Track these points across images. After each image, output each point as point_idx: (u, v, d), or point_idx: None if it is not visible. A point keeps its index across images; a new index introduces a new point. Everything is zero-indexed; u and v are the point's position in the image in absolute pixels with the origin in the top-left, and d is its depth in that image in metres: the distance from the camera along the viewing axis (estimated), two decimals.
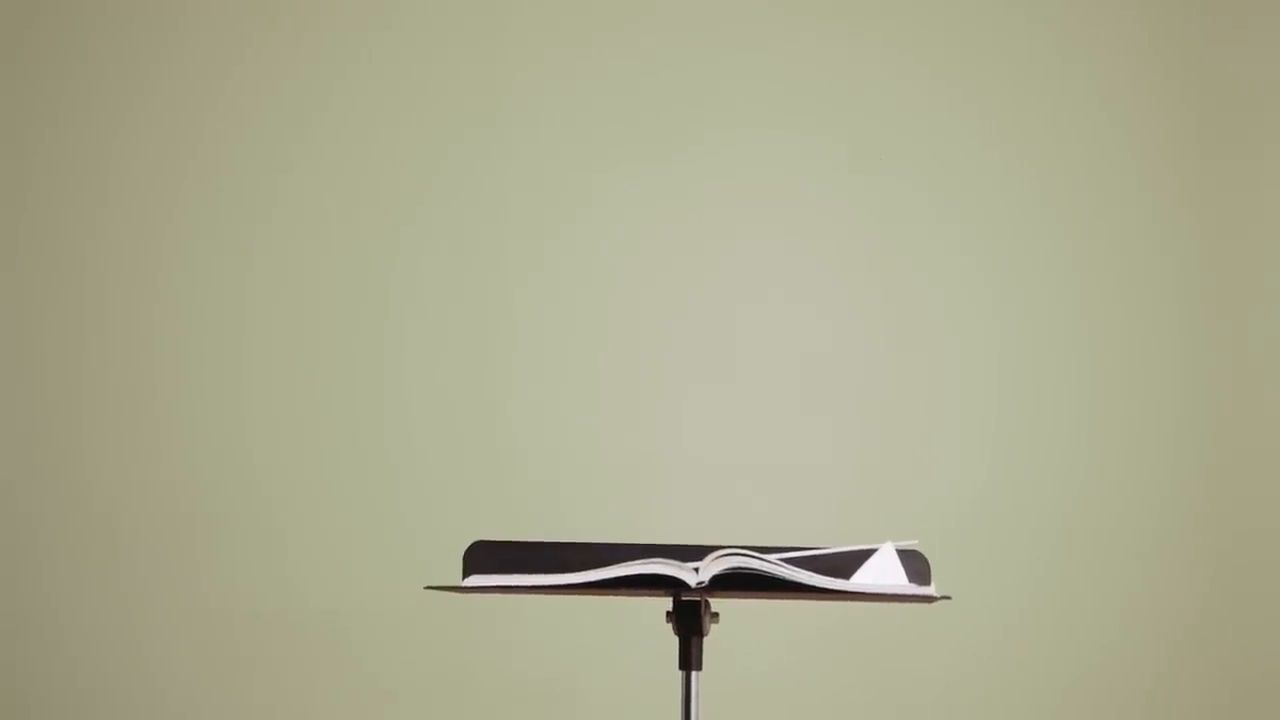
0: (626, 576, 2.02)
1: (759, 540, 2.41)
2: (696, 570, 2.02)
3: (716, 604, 2.15)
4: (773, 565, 2.01)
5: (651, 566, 2.02)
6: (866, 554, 2.08)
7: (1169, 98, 4.22)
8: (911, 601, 2.11)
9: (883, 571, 2.07)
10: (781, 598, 2.38)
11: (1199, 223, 4.20)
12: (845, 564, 2.07)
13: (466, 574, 2.10)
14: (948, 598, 2.12)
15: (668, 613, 2.12)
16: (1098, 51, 4.20)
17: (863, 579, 2.07)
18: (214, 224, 3.95)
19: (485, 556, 2.10)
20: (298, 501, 3.89)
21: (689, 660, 2.10)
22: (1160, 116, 4.21)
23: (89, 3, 3.96)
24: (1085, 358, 4.16)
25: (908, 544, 2.11)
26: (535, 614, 3.90)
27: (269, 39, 3.99)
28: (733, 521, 3.91)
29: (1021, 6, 4.19)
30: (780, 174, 4.09)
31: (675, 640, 2.14)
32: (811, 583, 2.01)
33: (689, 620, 2.09)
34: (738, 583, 2.04)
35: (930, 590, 2.08)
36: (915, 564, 2.10)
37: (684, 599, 2.08)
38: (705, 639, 2.12)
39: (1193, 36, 4.23)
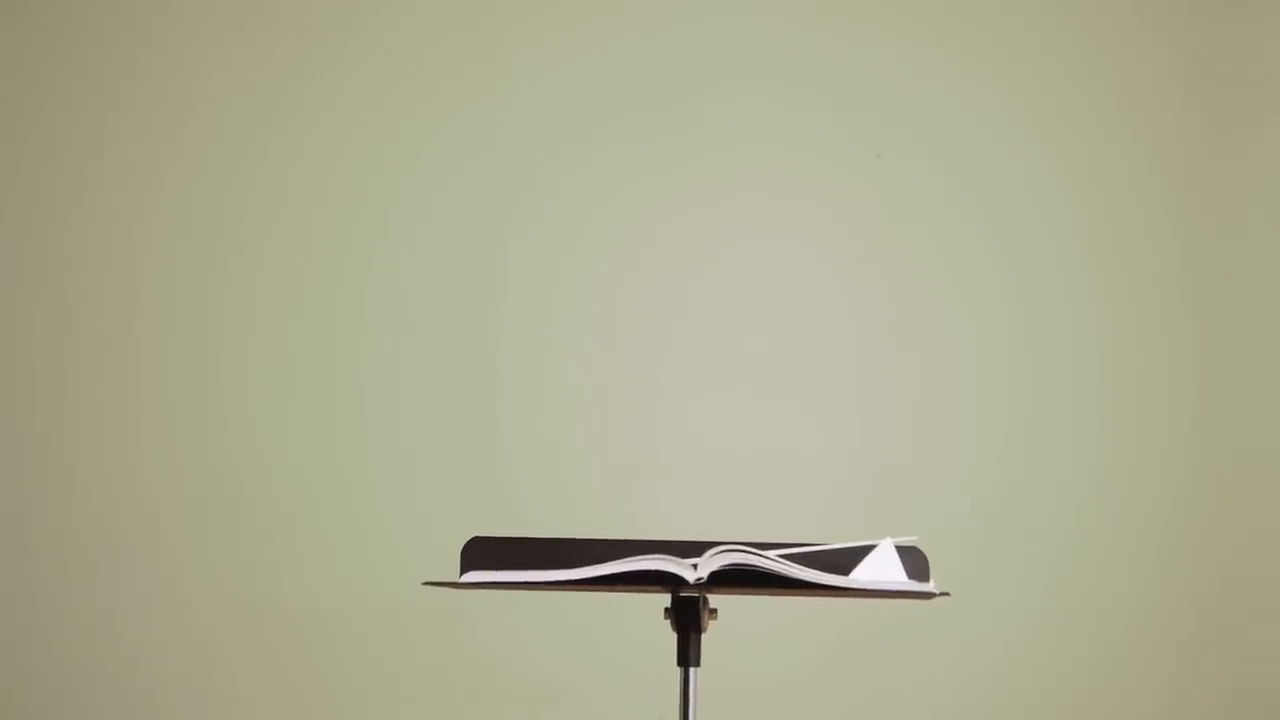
0: (625, 573, 2.02)
1: (758, 536, 2.40)
2: (695, 566, 2.02)
3: (715, 600, 2.14)
4: (772, 561, 2.01)
5: (650, 563, 2.01)
6: (865, 550, 2.08)
7: (1179, 89, 4.21)
8: (910, 598, 2.11)
9: (882, 568, 2.07)
10: (781, 594, 2.37)
11: (1209, 221, 4.20)
12: (844, 560, 2.06)
13: (464, 570, 2.09)
14: (946, 594, 2.12)
15: (666, 609, 2.12)
16: (1105, 40, 4.19)
17: (862, 575, 2.06)
18: (205, 215, 3.94)
19: (483, 552, 2.10)
20: (295, 498, 3.88)
21: (687, 657, 2.10)
22: (1171, 108, 4.20)
23: None
24: (1091, 355, 4.15)
25: (907, 540, 2.11)
26: (533, 610, 3.89)
27: (250, 32, 3.98)
28: (732, 517, 3.91)
29: None
30: (783, 165, 4.09)
31: (674, 637, 2.13)
32: (810, 579, 2.00)
33: (688, 616, 2.09)
34: (737, 579, 2.03)
35: (929, 586, 2.08)
36: (914, 560, 2.09)
37: (682, 595, 2.08)
38: (704, 635, 2.12)
39: (1202, 24, 4.22)
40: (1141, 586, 4.13)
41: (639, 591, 2.37)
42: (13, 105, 3.94)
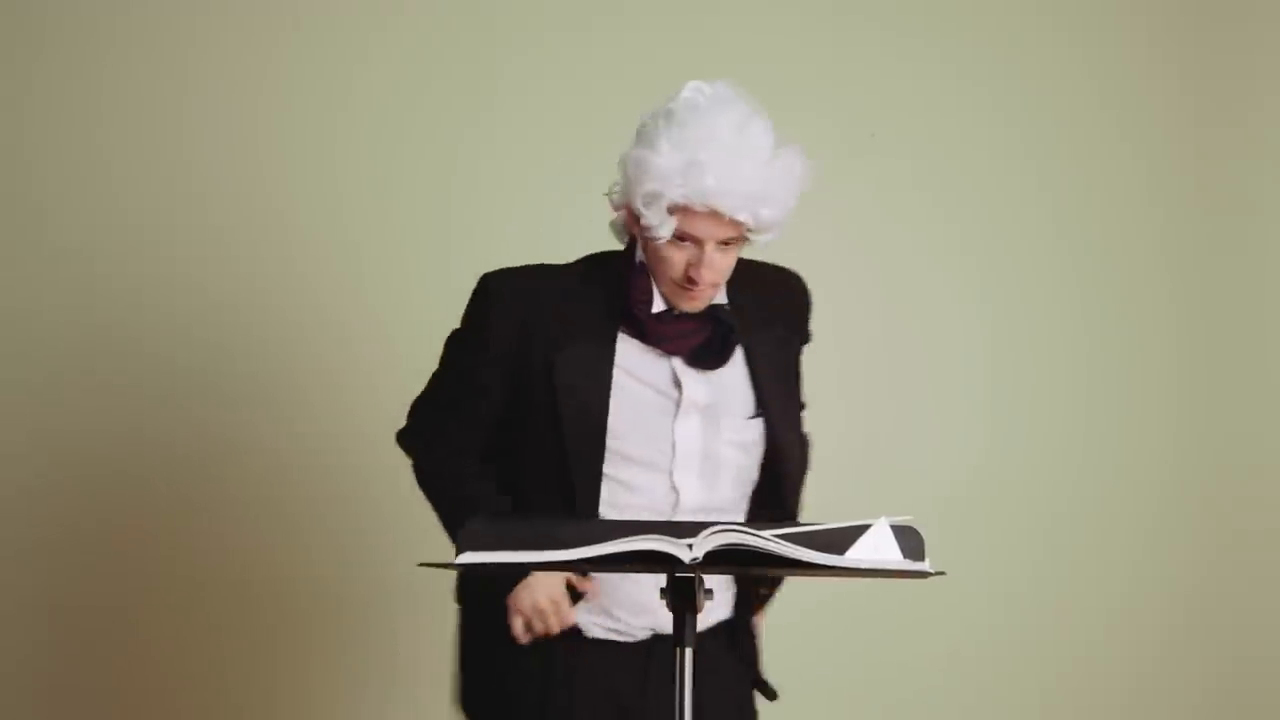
0: (620, 553, 2.02)
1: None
2: (691, 546, 2.02)
3: (711, 580, 2.14)
4: (767, 541, 2.01)
5: (646, 543, 2.01)
6: (861, 529, 2.08)
7: (1168, 86, 4.22)
8: (905, 577, 2.11)
9: (877, 547, 2.07)
10: (775, 574, 2.38)
11: (1198, 214, 4.21)
12: (840, 540, 2.06)
13: (460, 551, 2.09)
14: (942, 573, 2.12)
15: (661, 589, 2.12)
16: (1096, 38, 4.20)
17: (857, 554, 2.06)
18: (207, 204, 3.94)
19: (479, 533, 2.10)
20: (291, 478, 3.89)
21: (683, 637, 2.10)
22: (1160, 105, 4.21)
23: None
24: (1080, 344, 4.17)
25: (902, 519, 2.11)
26: None
27: (253, 28, 3.98)
28: None
29: None
30: None
31: (669, 616, 2.13)
32: (806, 558, 2.01)
33: (683, 596, 2.09)
34: (732, 559, 2.04)
35: (924, 565, 2.08)
36: (909, 539, 2.09)
37: (678, 575, 2.08)
38: (699, 615, 2.12)
39: (1194, 22, 4.23)
40: (1127, 574, 4.14)
41: (634, 572, 2.37)
42: (25, 103, 3.92)
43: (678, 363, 2.62)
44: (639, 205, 2.55)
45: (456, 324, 2.77)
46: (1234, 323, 4.20)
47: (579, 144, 3.96)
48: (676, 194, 2.51)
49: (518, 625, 2.57)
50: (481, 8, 4.02)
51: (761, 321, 2.70)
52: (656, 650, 2.59)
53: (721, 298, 2.66)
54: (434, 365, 2.80)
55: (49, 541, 3.84)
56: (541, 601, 2.55)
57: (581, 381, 2.58)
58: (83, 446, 3.87)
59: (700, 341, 2.63)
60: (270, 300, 3.92)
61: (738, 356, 2.65)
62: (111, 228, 3.89)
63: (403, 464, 3.92)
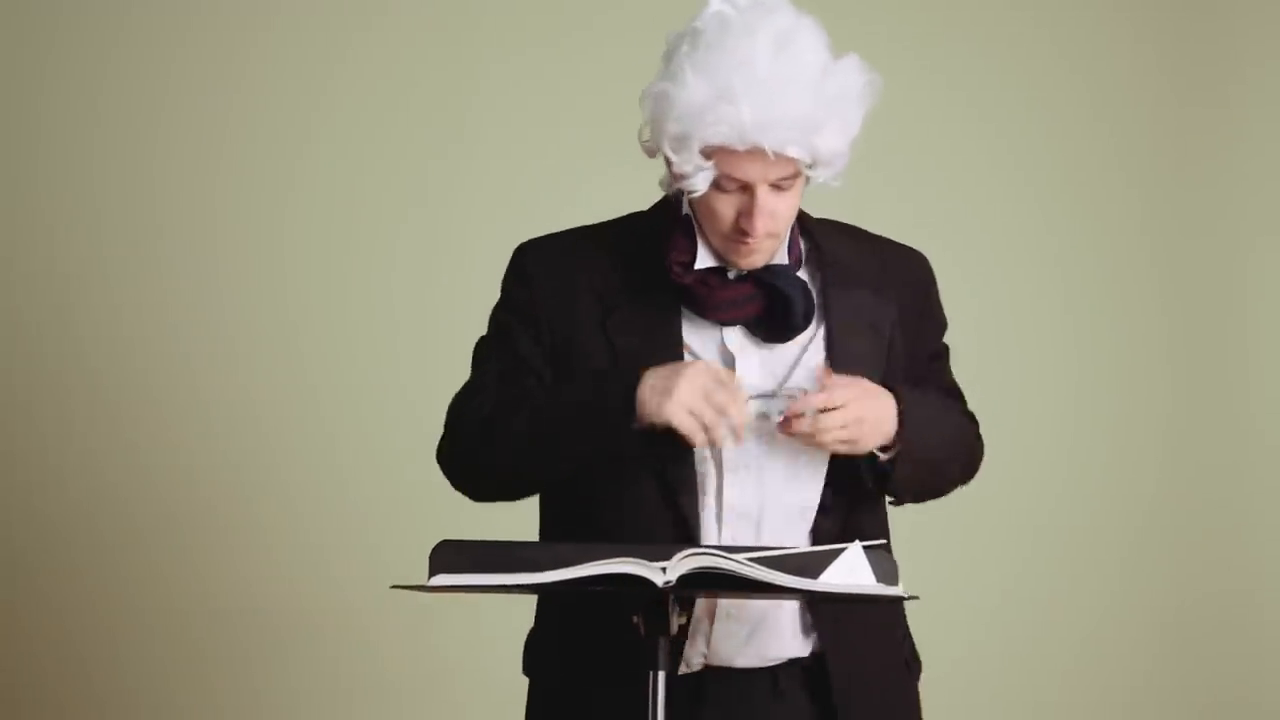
0: (593, 576, 2.02)
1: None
2: (664, 570, 2.01)
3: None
4: (741, 565, 2.01)
5: (619, 566, 2.01)
6: (834, 554, 2.08)
7: (1152, 81, 4.23)
8: (878, 602, 2.11)
9: (851, 571, 2.07)
10: (750, 597, 2.38)
11: (1185, 215, 4.22)
12: (814, 564, 2.07)
13: (432, 573, 2.09)
14: (915, 597, 2.12)
15: (632, 613, 2.12)
16: (1079, 33, 4.21)
17: (831, 579, 2.06)
18: (187, 217, 3.93)
19: (451, 556, 2.09)
20: (264, 500, 3.88)
21: (656, 660, 2.09)
22: (1146, 102, 4.22)
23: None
24: (1066, 353, 4.17)
25: (875, 543, 2.11)
26: (502, 613, 3.88)
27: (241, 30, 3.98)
28: None
29: None
30: None
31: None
32: (779, 582, 2.01)
33: (656, 620, 2.09)
34: (706, 582, 2.03)
35: (898, 590, 2.09)
36: (883, 564, 2.10)
37: (653, 599, 2.08)
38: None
39: (1177, 18, 4.24)
40: (1119, 589, 4.14)
41: (609, 593, 2.36)
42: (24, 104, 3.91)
43: (730, 333, 2.26)
44: (667, 150, 2.18)
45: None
46: (1225, 333, 4.20)
47: (567, 150, 3.96)
48: (709, 134, 2.14)
49: (689, 426, 2.13)
50: (469, 10, 4.02)
51: (857, 282, 2.31)
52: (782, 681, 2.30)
53: (782, 256, 2.27)
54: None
55: (16, 551, 3.83)
56: (705, 382, 2.13)
57: (644, 347, 2.22)
58: (55, 457, 3.86)
59: (757, 311, 2.25)
60: (244, 312, 3.91)
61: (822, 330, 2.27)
62: (88, 229, 3.89)
63: (371, 480, 3.91)
